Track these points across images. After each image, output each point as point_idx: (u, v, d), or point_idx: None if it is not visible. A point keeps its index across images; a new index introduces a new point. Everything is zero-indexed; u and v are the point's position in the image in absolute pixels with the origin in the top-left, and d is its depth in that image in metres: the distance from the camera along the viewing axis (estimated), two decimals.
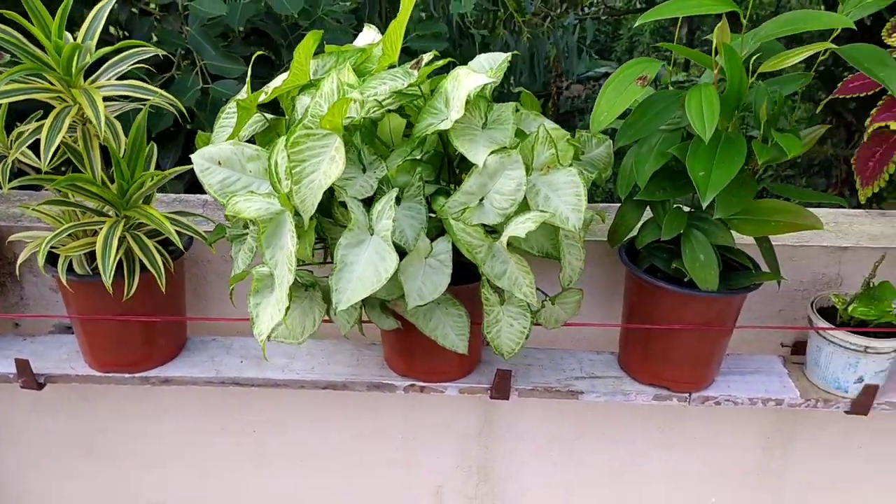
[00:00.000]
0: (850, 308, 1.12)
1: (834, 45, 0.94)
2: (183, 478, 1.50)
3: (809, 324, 1.16)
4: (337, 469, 1.49)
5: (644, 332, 1.15)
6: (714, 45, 0.99)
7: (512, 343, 1.02)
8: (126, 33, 1.91)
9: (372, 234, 0.92)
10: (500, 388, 1.16)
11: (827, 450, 1.44)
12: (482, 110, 1.00)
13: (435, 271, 0.96)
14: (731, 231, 1.08)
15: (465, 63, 1.05)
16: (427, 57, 1.05)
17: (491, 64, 1.13)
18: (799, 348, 1.30)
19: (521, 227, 0.91)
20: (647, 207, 1.12)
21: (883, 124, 0.97)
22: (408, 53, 2.06)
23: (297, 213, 0.91)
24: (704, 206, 0.95)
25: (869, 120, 0.99)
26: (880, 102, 0.99)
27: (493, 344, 1.02)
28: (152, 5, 1.89)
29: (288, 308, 0.91)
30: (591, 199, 1.72)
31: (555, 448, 1.46)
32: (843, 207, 1.06)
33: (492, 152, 0.93)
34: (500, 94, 2.60)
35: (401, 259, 0.95)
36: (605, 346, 1.28)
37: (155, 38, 1.85)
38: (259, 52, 1.42)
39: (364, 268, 0.90)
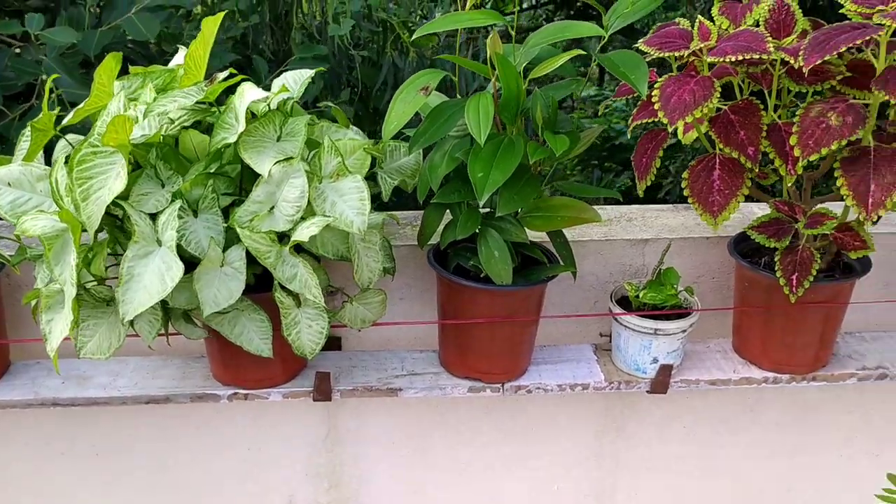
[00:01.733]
0: (640, 294, 1.21)
1: (584, 52, 1.03)
2: None
3: (611, 312, 1.25)
4: (186, 486, 1.49)
5: (455, 328, 1.21)
6: (488, 56, 1.07)
7: (312, 343, 1.06)
8: None
9: (160, 246, 0.95)
10: (322, 389, 1.20)
11: (655, 432, 1.53)
12: (277, 124, 1.05)
13: (230, 278, 1.00)
14: (526, 228, 1.16)
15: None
16: (222, 75, 1.09)
17: (296, 80, 1.18)
18: None
19: (305, 231, 0.96)
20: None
21: (640, 122, 1.06)
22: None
23: (84, 229, 0.94)
24: (481, 204, 1.02)
25: (630, 119, 1.08)
26: (640, 102, 1.09)
27: (294, 346, 1.06)
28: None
29: (75, 322, 0.93)
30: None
31: (402, 447, 1.51)
32: (618, 199, 1.15)
33: (276, 162, 0.98)
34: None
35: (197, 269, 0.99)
36: (433, 344, 1.34)
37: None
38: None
39: (150, 278, 0.93)
